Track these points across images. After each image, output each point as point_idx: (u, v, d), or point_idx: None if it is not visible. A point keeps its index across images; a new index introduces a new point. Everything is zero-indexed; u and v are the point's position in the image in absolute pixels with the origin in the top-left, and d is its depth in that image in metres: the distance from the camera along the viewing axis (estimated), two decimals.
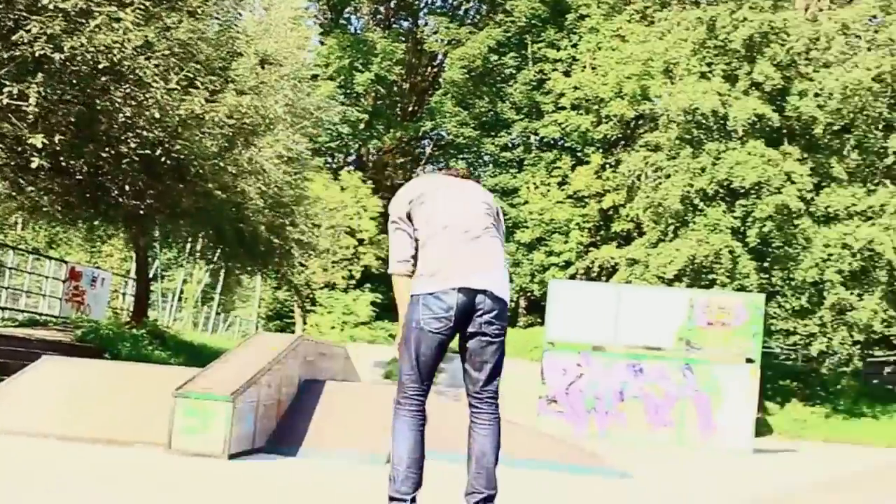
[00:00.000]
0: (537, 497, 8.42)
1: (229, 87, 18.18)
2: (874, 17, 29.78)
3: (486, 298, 5.28)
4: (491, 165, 47.50)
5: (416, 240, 5.45)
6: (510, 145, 46.93)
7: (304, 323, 39.21)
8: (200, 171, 18.23)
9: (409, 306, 5.31)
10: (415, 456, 5.25)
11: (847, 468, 14.17)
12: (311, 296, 39.96)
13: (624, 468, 11.33)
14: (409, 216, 5.49)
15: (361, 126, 44.64)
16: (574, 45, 42.96)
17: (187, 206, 19.42)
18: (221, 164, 18.44)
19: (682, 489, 10.66)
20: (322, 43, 43.16)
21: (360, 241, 40.09)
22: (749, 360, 19.61)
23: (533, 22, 44.62)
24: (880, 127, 29.73)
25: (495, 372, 5.46)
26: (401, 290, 5.45)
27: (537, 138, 45.37)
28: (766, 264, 29.59)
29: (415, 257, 5.47)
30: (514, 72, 45.76)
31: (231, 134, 18.37)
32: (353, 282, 40.00)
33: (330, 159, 47.16)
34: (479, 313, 5.27)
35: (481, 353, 5.36)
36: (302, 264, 28.51)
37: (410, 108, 49.51)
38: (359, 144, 46.81)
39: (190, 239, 26.73)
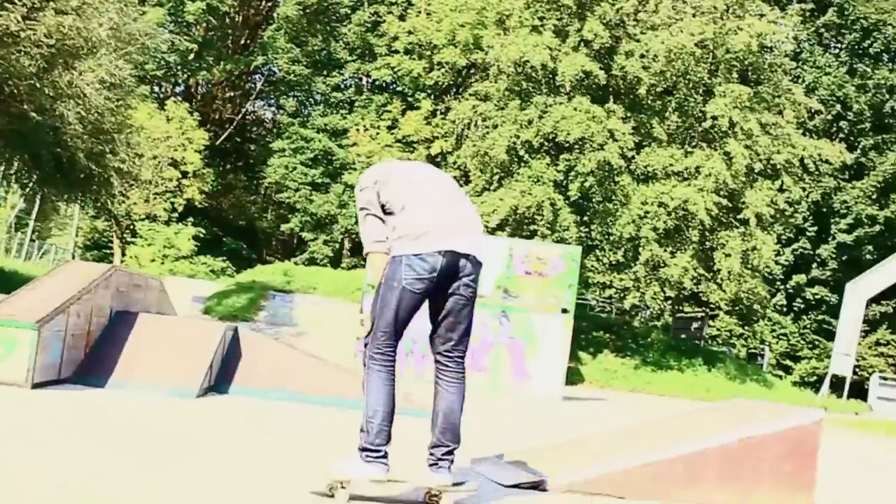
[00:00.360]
0: (351, 433, 8.51)
1: (49, 5, 17.45)
2: None
3: (468, 262, 5.45)
4: (322, 105, 47.08)
5: (390, 212, 5.50)
6: (342, 86, 46.63)
7: (123, 254, 38.31)
8: (15, 91, 17.51)
9: (390, 266, 5.39)
10: (388, 409, 5.35)
11: (646, 416, 14.80)
12: (131, 227, 39.05)
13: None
14: (378, 197, 5.52)
15: (191, 56, 43.61)
16: None
17: (0, 127, 18.65)
18: (38, 85, 17.74)
19: (490, 432, 10.94)
20: None
21: (185, 174, 39.35)
22: (564, 311, 20.13)
23: None
24: (700, 91, 30.77)
25: (466, 332, 5.64)
26: (377, 266, 5.52)
27: (369, 80, 45.23)
28: (585, 218, 30.36)
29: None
30: (349, 12, 45.40)
31: (50, 55, 17.66)
32: (176, 215, 39.26)
33: (156, 88, 45.94)
34: (460, 276, 5.44)
35: (457, 314, 5.54)
36: (122, 194, 27.77)
37: (242, 42, 48.61)
38: (187, 75, 45.71)
39: (3, 162, 25.70)
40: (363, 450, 5.30)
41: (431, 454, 5.51)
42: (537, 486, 6.46)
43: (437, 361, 5.64)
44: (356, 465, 5.29)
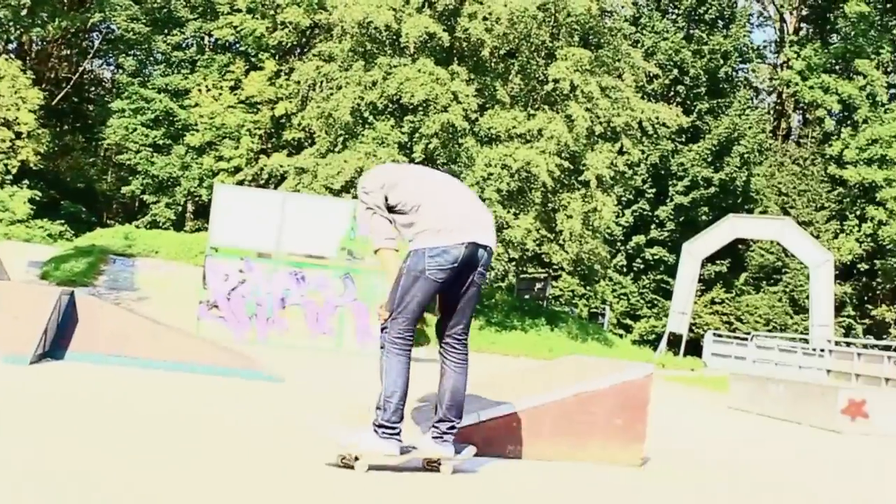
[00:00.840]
0: (192, 400, 8.40)
1: None
2: None
3: (486, 252, 5.96)
4: (162, 65, 45.90)
5: (401, 212, 5.88)
6: (183, 45, 45.49)
7: None
8: None
9: (412, 258, 5.78)
10: (405, 390, 5.82)
11: (487, 373, 15.02)
12: None
13: (279, 373, 11.47)
14: (385, 200, 5.89)
15: (23, 12, 41.84)
16: None
17: None
18: None
19: (329, 392, 10.94)
20: None
21: (18, 135, 37.89)
22: None
23: None
24: (542, 55, 31.14)
25: (471, 315, 6.14)
26: (389, 261, 5.96)
27: (211, 40, 44.31)
28: None
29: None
30: None
31: None
32: (10, 177, 37.84)
33: None
34: (478, 265, 5.94)
35: (469, 300, 6.01)
36: None
37: None
38: (20, 31, 43.91)
39: None
40: (380, 426, 5.73)
41: (436, 427, 5.98)
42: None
43: (445, 344, 6.09)
44: (371, 439, 5.73)
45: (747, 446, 10.63)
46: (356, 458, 5.68)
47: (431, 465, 6.01)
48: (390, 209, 5.90)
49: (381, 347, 5.92)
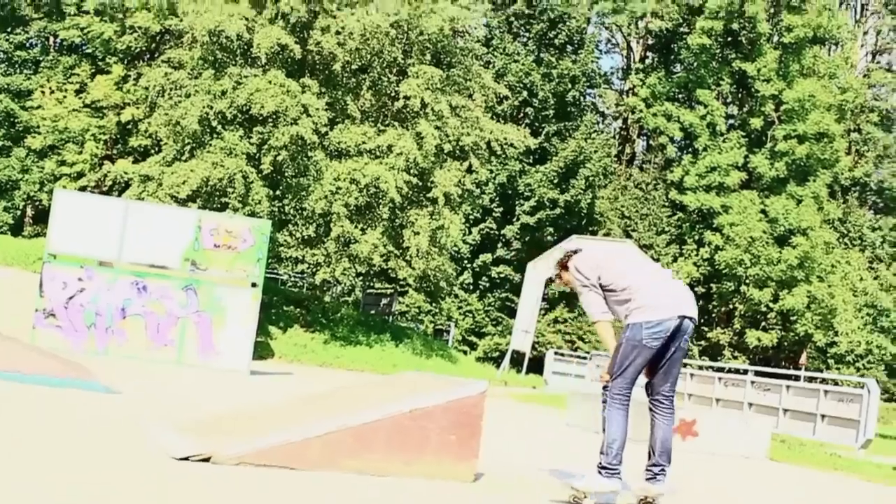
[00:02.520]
0: (24, 411, 8.18)
1: None
2: None
3: (690, 323, 7.09)
4: (4, 64, 44.44)
5: (611, 290, 7.08)
6: (26, 44, 44.14)
7: None
8: None
9: (631, 329, 6.90)
10: (624, 438, 6.95)
11: (326, 387, 15.06)
12: None
13: (117, 384, 11.26)
14: (598, 279, 7.11)
15: None
16: None
17: None
18: None
19: (167, 404, 10.78)
20: None
21: None
22: (253, 285, 20.09)
23: None
24: (394, 72, 31.33)
25: (677, 375, 7.32)
26: (608, 331, 7.14)
27: (57, 41, 43.13)
28: (278, 192, 30.30)
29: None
30: None
31: None
32: None
33: None
34: (684, 333, 7.05)
35: (676, 363, 7.16)
36: None
37: None
38: None
39: None
40: (604, 468, 6.91)
41: (650, 470, 7.12)
42: (208, 458, 6.45)
43: (655, 400, 7.22)
44: (597, 479, 6.93)
45: (579, 463, 10.89)
46: (585, 496, 6.91)
47: (645, 502, 7.11)
48: (602, 288, 7.08)
49: (603, 402, 7.04)
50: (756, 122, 49.27)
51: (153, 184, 28.91)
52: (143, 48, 40.64)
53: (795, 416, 21.34)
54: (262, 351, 25.87)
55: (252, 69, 29.26)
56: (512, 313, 43.13)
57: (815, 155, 47.93)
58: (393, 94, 30.87)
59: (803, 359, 48.79)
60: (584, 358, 36.79)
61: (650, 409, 7.24)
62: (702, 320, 50.38)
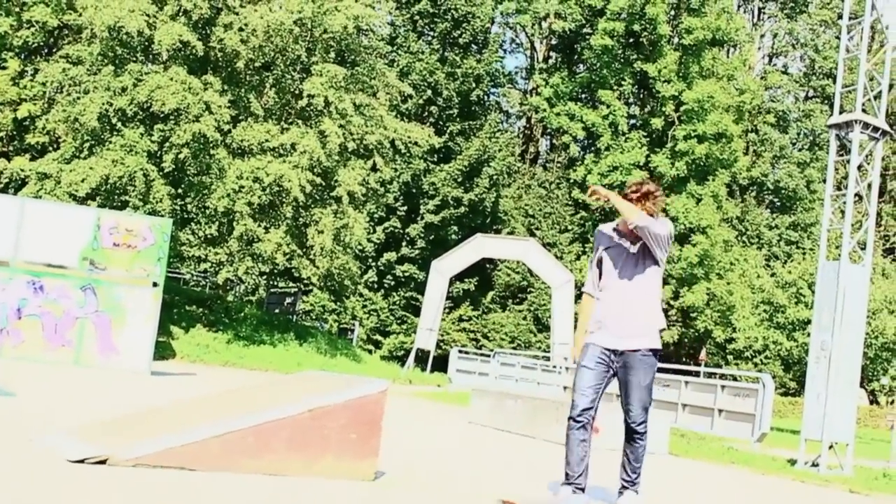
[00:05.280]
0: None
1: None
2: None
3: None
4: None
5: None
6: None
7: None
8: None
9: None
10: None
11: (227, 386, 15.00)
12: None
13: (11, 386, 11.05)
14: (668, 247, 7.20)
15: None
16: None
17: None
18: None
19: (64, 407, 10.62)
20: None
21: None
22: (154, 284, 19.84)
23: None
24: (298, 69, 31.20)
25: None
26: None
27: None
28: (180, 191, 29.94)
29: None
30: None
31: None
32: None
33: None
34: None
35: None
36: None
37: None
38: None
39: None
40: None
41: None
42: (105, 461, 6.38)
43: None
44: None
45: (478, 459, 11.00)
46: None
47: None
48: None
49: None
50: (657, 123, 50.08)
51: (51, 181, 28.35)
52: (41, 43, 39.66)
53: (694, 412, 21.74)
54: (163, 351, 25.55)
55: (153, 66, 28.90)
56: (417, 312, 43.23)
57: (714, 155, 48.92)
58: (297, 93, 30.74)
59: (703, 355, 49.79)
60: (488, 356, 37.03)
61: None
62: None
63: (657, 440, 14.86)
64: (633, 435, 7.13)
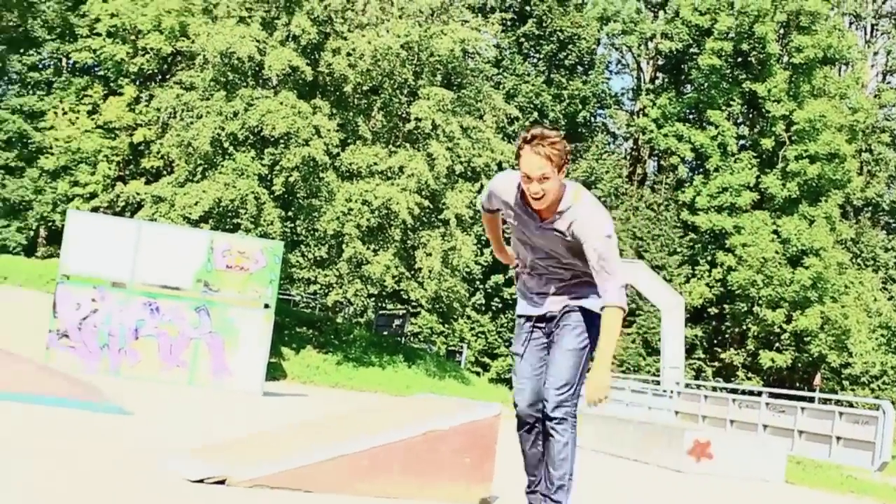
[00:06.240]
0: (37, 432, 8.16)
1: None
2: None
3: None
4: (17, 85, 44.68)
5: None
6: (39, 66, 44.41)
7: None
8: None
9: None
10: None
11: (340, 409, 15.04)
12: None
13: (129, 406, 11.24)
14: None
15: None
16: None
17: None
18: None
19: (180, 426, 10.76)
20: None
21: None
22: (266, 306, 20.07)
23: None
24: (405, 92, 31.42)
25: None
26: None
27: (69, 62, 43.36)
28: (290, 213, 30.34)
29: None
30: None
31: None
32: None
33: None
34: None
35: None
36: None
37: None
38: None
39: None
40: None
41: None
42: (223, 481, 6.42)
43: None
44: None
45: (593, 486, 10.84)
46: None
47: None
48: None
49: (566, 422, 5.58)
50: (767, 143, 49.26)
51: (165, 205, 29.00)
52: (155, 70, 40.80)
53: (811, 438, 21.23)
54: (274, 372, 25.85)
55: (263, 90, 29.38)
56: None
57: (827, 175, 47.88)
58: (404, 116, 30.97)
59: (818, 380, 48.61)
60: None
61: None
62: (715, 341, 50.34)
63: (773, 468, 14.52)
64: (545, 426, 5.62)
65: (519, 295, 5.88)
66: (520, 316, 5.85)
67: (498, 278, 46.48)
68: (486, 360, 46.78)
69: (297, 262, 33.03)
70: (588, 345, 5.51)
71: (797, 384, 47.88)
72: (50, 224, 41.07)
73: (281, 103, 28.29)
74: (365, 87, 30.69)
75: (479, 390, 33.71)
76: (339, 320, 38.38)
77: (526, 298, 5.79)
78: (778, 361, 47.14)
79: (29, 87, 43.93)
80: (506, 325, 47.01)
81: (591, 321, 5.49)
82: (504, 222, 5.80)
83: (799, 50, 48.46)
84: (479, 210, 31.61)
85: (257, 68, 29.27)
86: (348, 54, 29.31)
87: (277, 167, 28.78)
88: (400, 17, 30.16)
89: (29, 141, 41.61)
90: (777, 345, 48.40)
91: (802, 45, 48.27)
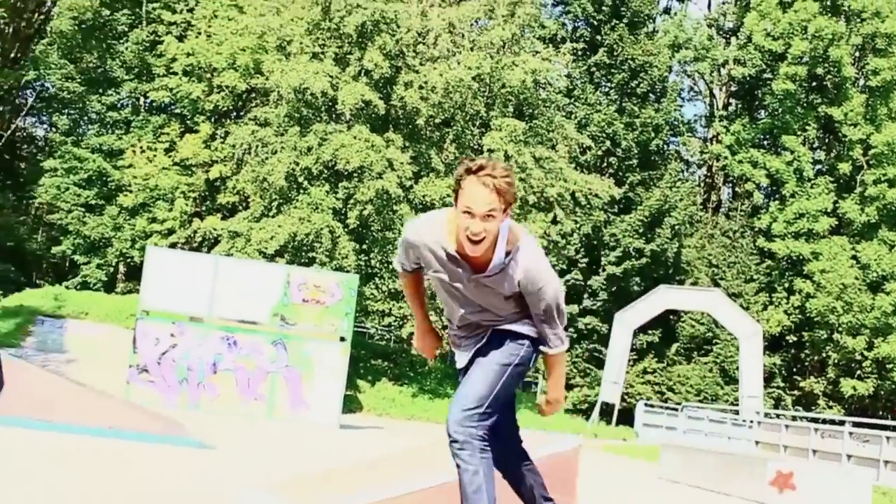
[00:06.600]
0: (120, 467, 8.27)
1: None
2: (478, 19, 31.48)
3: None
4: (97, 124, 45.63)
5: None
6: (118, 105, 45.34)
7: None
8: None
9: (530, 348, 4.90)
10: None
11: (419, 444, 15.01)
12: None
13: (209, 439, 11.34)
14: None
15: None
16: (190, 10, 42.05)
17: None
18: None
19: (261, 460, 10.83)
20: None
21: None
22: (341, 339, 20.16)
23: None
24: (477, 124, 31.51)
25: None
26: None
27: (147, 101, 44.19)
28: (365, 246, 30.50)
29: None
30: (126, 29, 44.21)
31: None
32: None
33: None
34: None
35: None
36: None
37: (12, 55, 46.65)
38: None
39: None
40: None
41: None
42: None
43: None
44: None
45: None
46: None
47: None
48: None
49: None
50: (844, 167, 48.46)
51: (242, 239, 29.34)
52: (231, 107, 41.42)
53: None
54: (350, 405, 25.93)
55: (337, 125, 29.64)
56: (600, 364, 42.73)
57: None
58: (476, 147, 31.03)
59: None
60: (676, 409, 36.26)
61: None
62: (794, 369, 49.48)
63: (859, 499, 14.20)
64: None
65: (452, 346, 5.20)
66: (458, 369, 5.20)
67: (572, 308, 46.17)
68: None
69: (372, 294, 33.18)
70: (514, 363, 4.85)
71: (880, 412, 46.81)
72: (129, 260, 41.74)
73: (354, 137, 28.52)
74: (437, 120, 30.84)
75: (556, 421, 33.44)
76: (414, 352, 38.45)
77: (459, 349, 5.12)
78: (860, 389, 46.16)
79: (108, 126, 44.83)
80: (580, 355, 46.69)
81: (519, 339, 4.87)
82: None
83: (875, 73, 47.70)
84: (551, 238, 31.66)
85: (331, 103, 29.55)
86: (420, 87, 29.49)
87: (351, 201, 28.99)
88: (471, 49, 30.31)
89: (108, 179, 42.38)
90: (858, 372, 47.40)
91: (879, 68, 47.49)
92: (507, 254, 4.58)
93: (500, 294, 4.69)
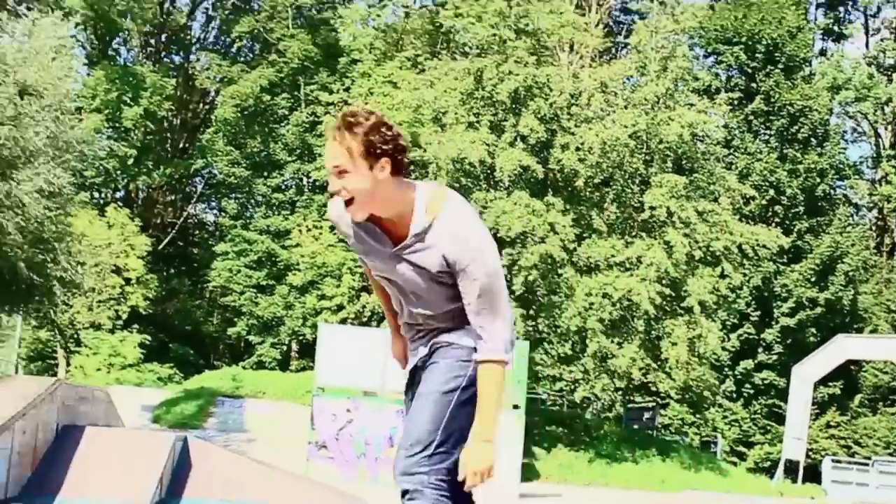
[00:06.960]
0: None
1: None
2: (630, 77, 31.31)
3: None
4: (263, 206, 46.98)
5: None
6: (282, 186, 46.61)
7: (68, 365, 37.57)
8: None
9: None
10: None
11: None
12: (75, 336, 38.39)
13: None
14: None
15: (130, 161, 43.34)
16: (346, 89, 43.03)
17: None
18: None
19: None
20: (88, 74, 41.70)
21: (128, 281, 38.85)
22: (515, 407, 20.02)
23: (305, 64, 44.47)
24: (637, 182, 31.21)
25: None
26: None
27: (310, 181, 45.27)
28: (531, 312, 30.37)
29: None
30: (286, 113, 45.56)
31: None
32: (121, 322, 38.70)
33: (96, 195, 45.61)
34: None
35: None
36: (65, 303, 27.37)
37: (181, 145, 48.63)
38: (127, 180, 45.46)
39: None
40: None
41: None
42: None
43: None
44: None
45: None
46: None
47: None
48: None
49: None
50: None
51: None
52: None
53: None
54: (527, 473, 25.64)
55: (496, 192, 29.74)
56: (780, 420, 41.37)
57: None
58: (637, 205, 30.69)
59: None
60: (866, 464, 34.75)
61: None
62: None
63: None
64: None
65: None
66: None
67: (747, 363, 44.97)
68: (743, 448, 45.08)
69: (542, 359, 32.96)
70: (461, 386, 4.07)
71: None
72: (301, 338, 42.51)
73: (515, 203, 28.56)
74: (596, 180, 30.66)
75: (738, 481, 32.42)
76: (588, 416, 37.95)
77: (410, 353, 4.40)
78: None
79: (274, 207, 46.05)
80: (759, 411, 45.33)
81: (463, 355, 4.11)
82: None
83: None
84: (720, 293, 30.97)
85: (489, 171, 29.73)
86: (577, 149, 29.41)
87: (516, 267, 28.94)
88: (625, 107, 30.14)
89: (277, 259, 43.43)
90: None
91: None
92: (425, 225, 3.95)
93: (429, 276, 4.01)
